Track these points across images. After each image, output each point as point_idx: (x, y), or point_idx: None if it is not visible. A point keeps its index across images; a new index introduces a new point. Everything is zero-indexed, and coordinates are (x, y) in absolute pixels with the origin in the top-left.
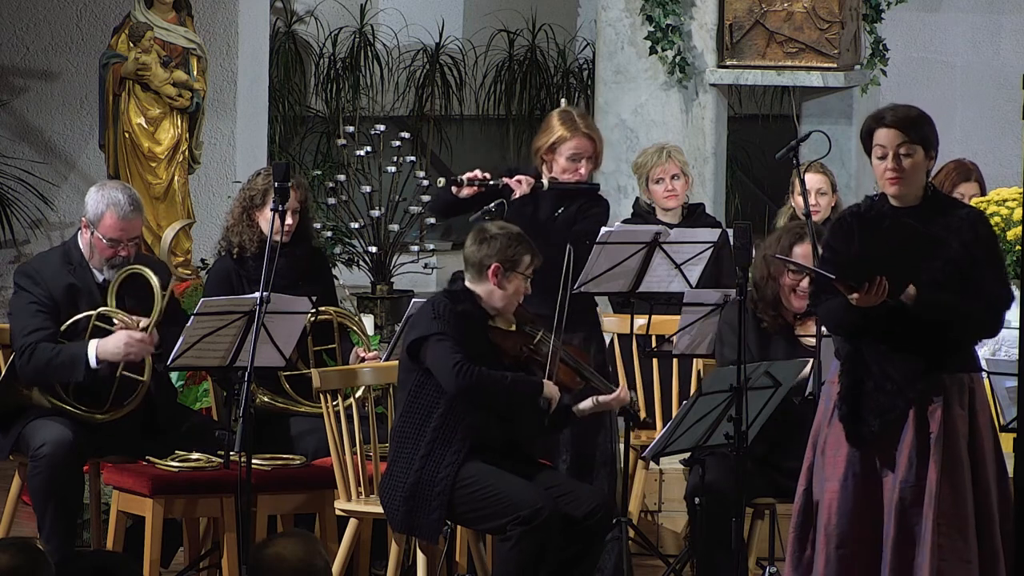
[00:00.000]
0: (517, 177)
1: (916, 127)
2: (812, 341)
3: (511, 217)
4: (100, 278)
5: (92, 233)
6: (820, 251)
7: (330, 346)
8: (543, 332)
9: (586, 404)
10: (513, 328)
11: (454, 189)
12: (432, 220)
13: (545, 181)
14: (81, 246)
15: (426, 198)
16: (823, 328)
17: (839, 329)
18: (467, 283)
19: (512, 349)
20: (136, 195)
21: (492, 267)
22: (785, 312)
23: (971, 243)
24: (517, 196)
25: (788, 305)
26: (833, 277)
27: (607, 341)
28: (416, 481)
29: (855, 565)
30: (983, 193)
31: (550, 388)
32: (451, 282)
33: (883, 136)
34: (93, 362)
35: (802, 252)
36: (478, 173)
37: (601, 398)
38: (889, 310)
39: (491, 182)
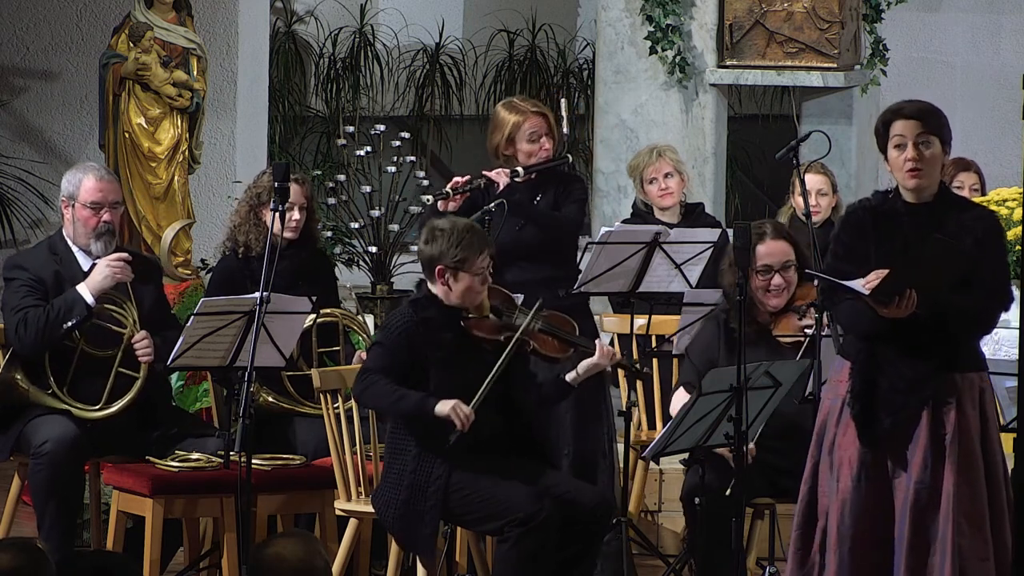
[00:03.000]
0: (496, 171)
1: (934, 118)
2: (791, 340)
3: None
4: (87, 265)
5: (73, 208)
6: (817, 248)
7: (334, 348)
8: (519, 310)
9: (577, 372)
10: (488, 315)
11: (440, 205)
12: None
13: (520, 169)
14: (65, 234)
15: (426, 198)
16: (823, 327)
17: (856, 331)
18: (428, 285)
19: (492, 334)
20: (109, 169)
21: (437, 269)
22: (760, 315)
23: (983, 241)
24: (502, 188)
25: (763, 306)
26: (867, 294)
27: (607, 341)
28: (407, 498)
29: (867, 566)
30: (982, 183)
31: (444, 407)
32: (417, 287)
33: (902, 127)
34: (90, 299)
35: (766, 251)
36: (458, 180)
37: (587, 362)
38: (913, 318)
39: (473, 184)
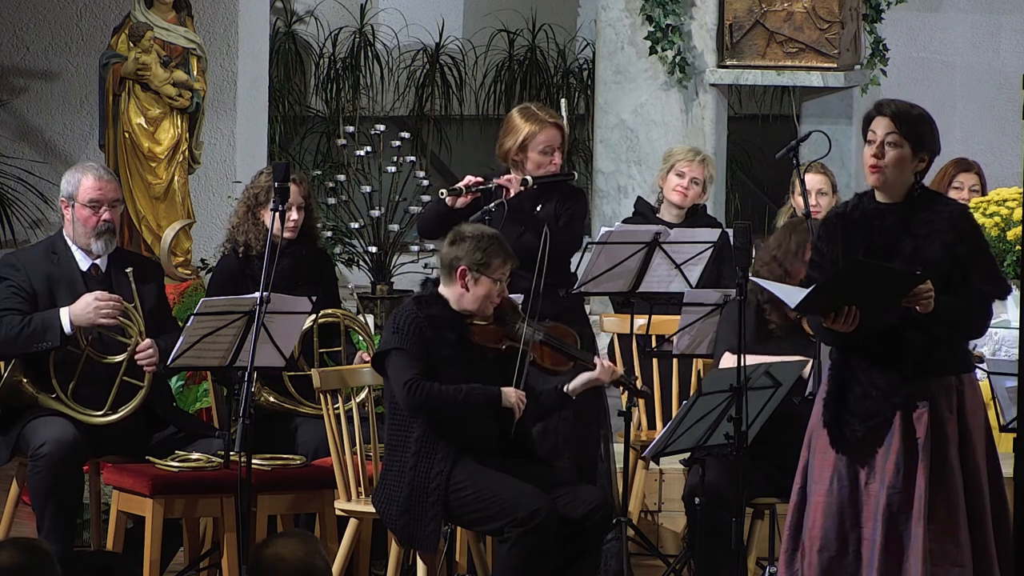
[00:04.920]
0: (507, 177)
1: (910, 123)
2: None
3: (505, 218)
4: (86, 265)
5: (72, 207)
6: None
7: (335, 348)
8: (521, 320)
9: (575, 383)
10: (491, 322)
11: (449, 200)
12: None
13: (529, 178)
14: (65, 235)
15: (426, 198)
16: None
17: (823, 339)
18: (440, 286)
19: (493, 342)
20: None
21: (460, 269)
22: (788, 311)
23: (952, 244)
24: (512, 195)
25: None
26: (792, 307)
27: (607, 341)
28: (408, 494)
29: (839, 569)
30: (983, 184)
31: (509, 396)
32: (422, 285)
33: (876, 123)
34: (67, 327)
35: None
36: (470, 179)
37: (586, 375)
38: (864, 334)
39: (486, 186)
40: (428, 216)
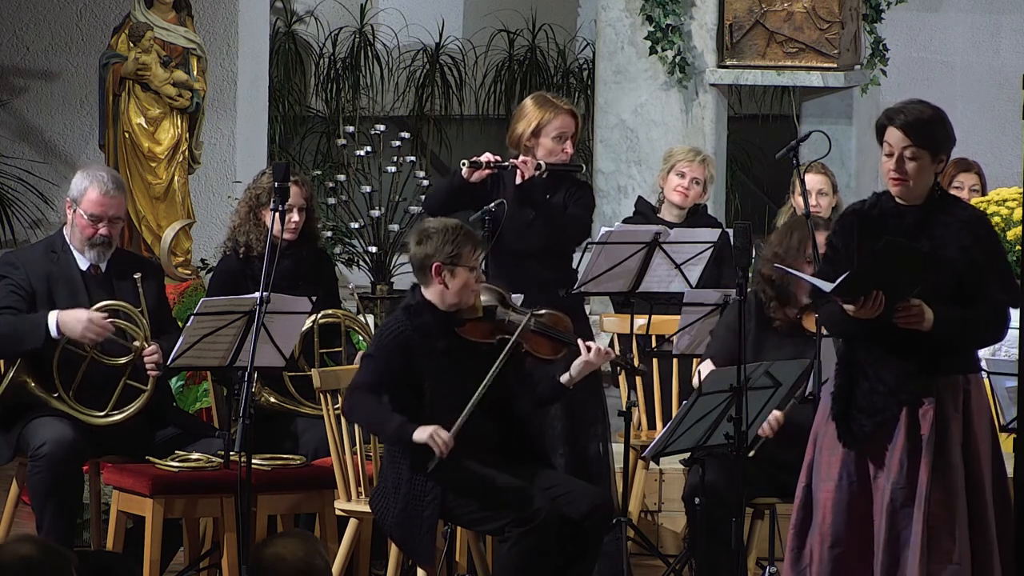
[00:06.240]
0: (522, 159)
1: (925, 131)
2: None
3: (510, 207)
4: (84, 265)
5: (75, 211)
6: (821, 248)
7: (336, 348)
8: (511, 311)
9: (572, 371)
10: (481, 316)
11: (466, 172)
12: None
13: (543, 163)
14: (65, 232)
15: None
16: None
17: (837, 332)
18: (422, 290)
19: (484, 336)
20: (120, 178)
21: (433, 267)
22: (790, 309)
23: (969, 247)
24: (526, 178)
25: (798, 300)
26: (828, 291)
27: (608, 341)
28: (404, 508)
29: (848, 565)
30: (983, 184)
31: (422, 434)
32: (411, 291)
33: (891, 136)
34: (54, 331)
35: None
36: (489, 156)
37: (578, 362)
38: (886, 321)
39: (504, 164)
40: (438, 192)
